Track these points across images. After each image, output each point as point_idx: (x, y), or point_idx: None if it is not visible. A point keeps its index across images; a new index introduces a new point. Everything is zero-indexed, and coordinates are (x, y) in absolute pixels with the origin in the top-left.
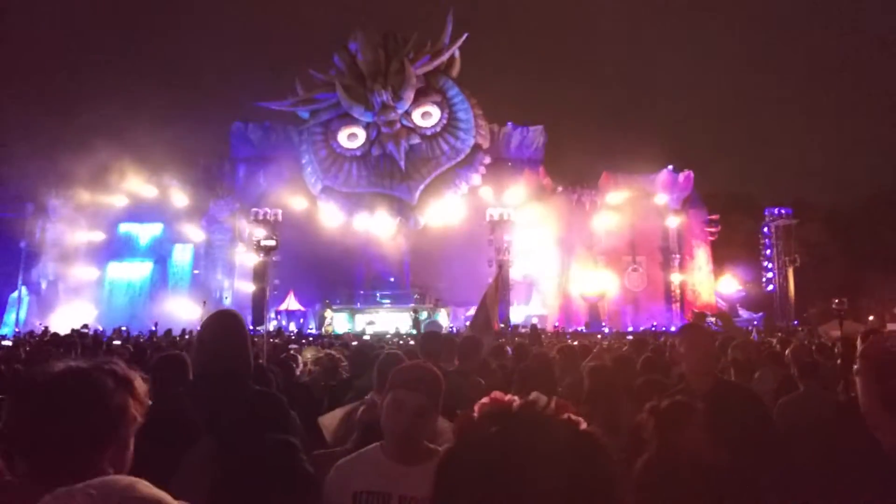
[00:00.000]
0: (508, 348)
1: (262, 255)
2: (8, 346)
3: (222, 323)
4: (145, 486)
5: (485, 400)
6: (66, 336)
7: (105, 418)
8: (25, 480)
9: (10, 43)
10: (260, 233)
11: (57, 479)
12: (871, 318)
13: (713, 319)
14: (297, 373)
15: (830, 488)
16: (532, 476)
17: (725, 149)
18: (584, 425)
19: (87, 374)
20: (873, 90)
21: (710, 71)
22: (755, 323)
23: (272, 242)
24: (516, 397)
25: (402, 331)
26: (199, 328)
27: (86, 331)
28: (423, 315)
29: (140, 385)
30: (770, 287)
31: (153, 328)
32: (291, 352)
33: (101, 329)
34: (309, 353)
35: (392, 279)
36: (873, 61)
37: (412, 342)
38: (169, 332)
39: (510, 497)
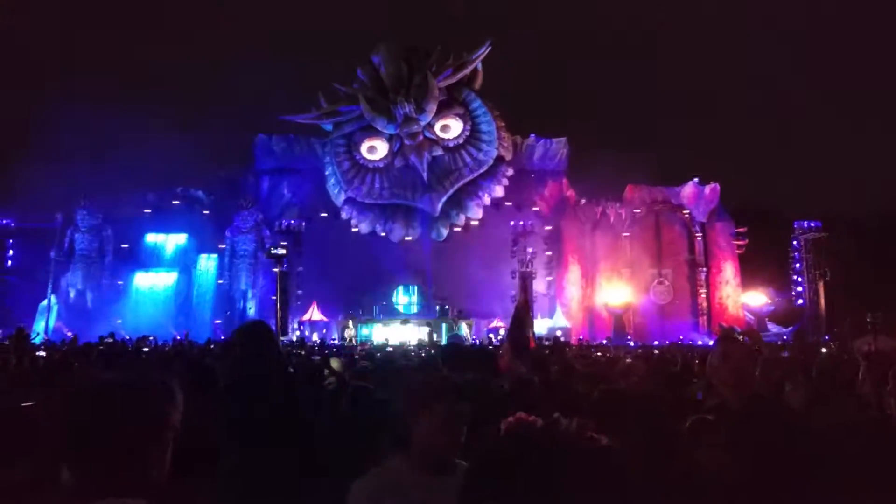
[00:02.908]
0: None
1: (275, 263)
2: (43, 357)
3: (254, 333)
4: None
5: (511, 419)
6: (96, 344)
7: (149, 426)
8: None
9: (41, 53)
10: (283, 243)
11: (109, 481)
12: None
13: (740, 336)
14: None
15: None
16: (552, 494)
17: (752, 161)
18: (604, 443)
19: (132, 385)
20: None
21: (737, 82)
22: (784, 337)
23: (283, 251)
24: (539, 418)
25: (425, 342)
26: (229, 338)
27: (111, 339)
28: (447, 329)
29: (179, 395)
30: (800, 301)
31: (177, 337)
32: (317, 361)
33: (127, 337)
34: (335, 364)
35: (415, 291)
36: None
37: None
38: (192, 341)
39: None
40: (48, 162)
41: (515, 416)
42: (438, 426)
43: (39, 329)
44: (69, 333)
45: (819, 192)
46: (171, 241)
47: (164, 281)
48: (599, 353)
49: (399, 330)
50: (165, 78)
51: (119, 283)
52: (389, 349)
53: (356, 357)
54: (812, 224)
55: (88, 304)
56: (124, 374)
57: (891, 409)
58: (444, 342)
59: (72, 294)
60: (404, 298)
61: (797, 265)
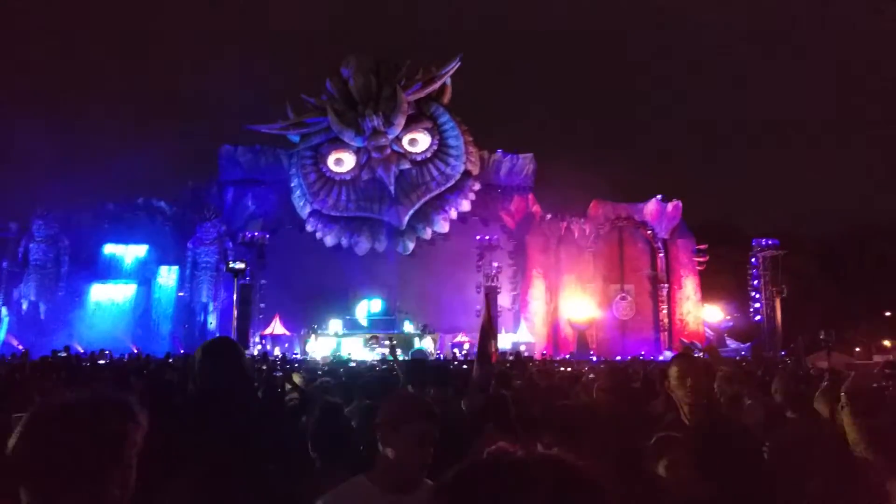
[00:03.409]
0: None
1: (235, 277)
2: None
3: (221, 351)
4: None
5: (492, 448)
6: (45, 358)
7: (111, 447)
8: None
9: None
10: (246, 256)
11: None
12: (857, 349)
13: (701, 353)
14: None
15: None
16: None
17: (713, 179)
18: (581, 468)
19: (94, 405)
20: (861, 122)
21: (698, 101)
22: (742, 353)
23: (242, 265)
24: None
25: (389, 357)
26: (195, 353)
27: (65, 354)
28: (418, 342)
29: (141, 412)
30: (758, 317)
31: (135, 351)
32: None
33: (81, 351)
34: (297, 379)
35: (379, 304)
36: (862, 93)
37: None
38: (149, 356)
39: None
40: (2, 169)
41: (498, 445)
42: (410, 446)
43: None
44: (20, 347)
45: (777, 211)
46: (130, 253)
47: (123, 293)
48: (563, 368)
49: (363, 344)
50: (129, 88)
51: (75, 295)
52: (353, 364)
53: (319, 372)
54: (770, 242)
55: (42, 316)
56: (85, 394)
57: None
58: (407, 357)
59: (24, 306)
60: (369, 312)
61: (755, 282)
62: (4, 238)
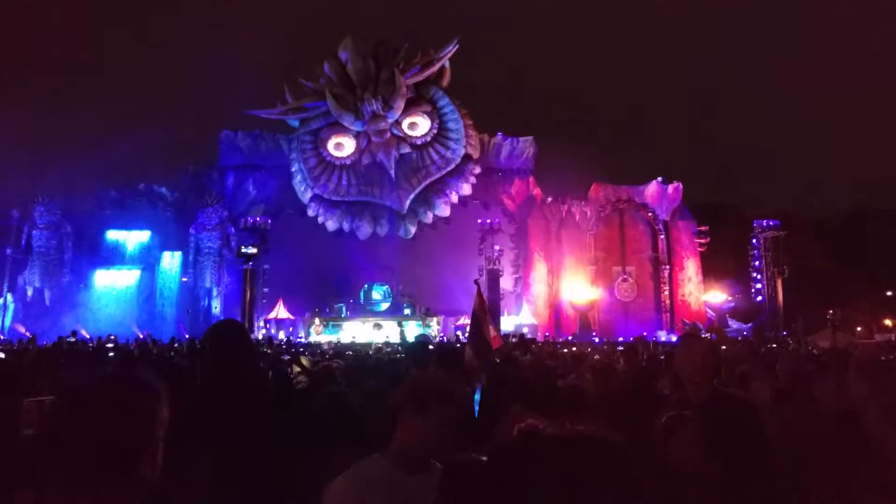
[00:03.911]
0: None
1: (244, 262)
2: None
3: (228, 333)
4: None
5: (521, 425)
6: (55, 344)
7: (142, 424)
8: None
9: None
10: (249, 240)
11: (103, 486)
12: (858, 328)
13: (706, 334)
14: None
15: (828, 497)
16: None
17: (714, 161)
18: (614, 443)
19: (122, 385)
20: (860, 103)
21: (698, 83)
22: (745, 333)
23: (253, 250)
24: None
25: (392, 341)
26: (202, 338)
27: (73, 339)
28: (415, 326)
29: (165, 391)
30: (759, 298)
31: (140, 336)
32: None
33: (87, 337)
34: (304, 362)
35: (382, 288)
36: (861, 75)
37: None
38: (154, 341)
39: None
40: (4, 157)
41: (527, 421)
42: (433, 427)
43: None
44: (27, 333)
45: (778, 191)
46: (133, 238)
47: (127, 279)
48: (565, 350)
49: (367, 328)
50: (129, 74)
51: (80, 281)
52: (358, 348)
53: (326, 356)
54: (771, 223)
55: (47, 302)
56: (111, 374)
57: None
58: (411, 340)
59: (29, 292)
60: (372, 296)
61: (756, 262)
62: (7, 225)
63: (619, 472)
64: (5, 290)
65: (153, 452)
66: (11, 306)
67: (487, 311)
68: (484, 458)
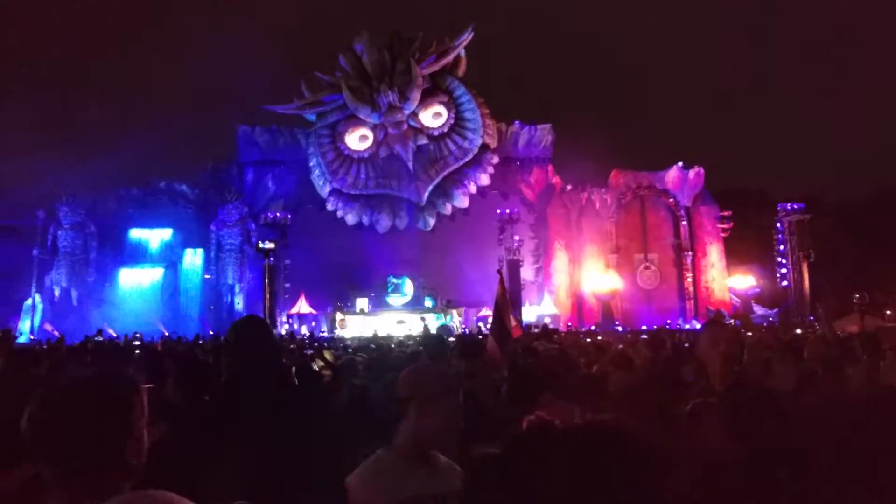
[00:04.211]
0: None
1: (262, 257)
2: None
3: (250, 329)
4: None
5: (532, 417)
6: (82, 343)
7: (120, 417)
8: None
9: (15, 49)
10: (269, 236)
11: (86, 479)
12: (887, 312)
13: (731, 321)
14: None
15: (858, 485)
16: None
17: (736, 144)
18: (638, 434)
19: (99, 379)
20: (886, 82)
21: (719, 66)
22: (770, 319)
23: (271, 245)
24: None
25: (414, 334)
26: (225, 334)
27: (100, 338)
28: (434, 319)
29: (141, 381)
30: (784, 283)
31: (165, 334)
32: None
33: (114, 335)
34: (328, 356)
35: (403, 281)
36: (885, 54)
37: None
38: (180, 338)
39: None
40: (29, 159)
41: (536, 415)
42: (443, 419)
43: (24, 329)
44: (55, 333)
45: (802, 174)
46: (155, 236)
47: (150, 276)
48: (588, 339)
49: (388, 321)
50: (147, 72)
51: (105, 280)
52: (380, 342)
53: (349, 349)
54: (795, 206)
55: (74, 301)
56: (85, 371)
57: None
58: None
59: (56, 292)
60: (392, 289)
61: (781, 247)
62: (33, 226)
63: (634, 462)
64: (33, 290)
65: (135, 443)
66: (40, 306)
67: (509, 300)
68: (497, 452)
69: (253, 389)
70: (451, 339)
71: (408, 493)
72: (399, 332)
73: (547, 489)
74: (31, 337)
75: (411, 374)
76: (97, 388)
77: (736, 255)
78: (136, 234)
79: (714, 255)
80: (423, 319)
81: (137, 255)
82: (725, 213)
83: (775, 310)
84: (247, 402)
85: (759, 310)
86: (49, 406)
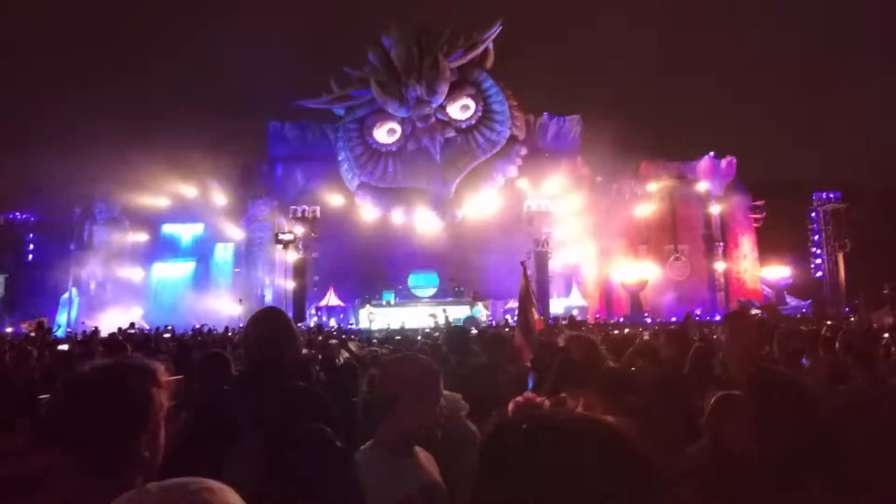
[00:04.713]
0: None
1: (283, 248)
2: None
3: (269, 319)
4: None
5: (519, 399)
6: (112, 335)
7: (135, 408)
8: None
9: (48, 47)
10: (298, 230)
11: (105, 469)
12: None
13: (758, 311)
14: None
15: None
16: (559, 474)
17: (769, 133)
18: (611, 422)
19: (119, 370)
20: None
21: (750, 54)
22: (803, 310)
23: (290, 237)
24: (546, 399)
25: (442, 325)
26: (244, 325)
27: (133, 331)
28: (458, 310)
29: (162, 373)
30: (819, 273)
31: (196, 326)
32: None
33: (147, 328)
34: (353, 347)
35: (431, 274)
36: None
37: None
38: (210, 330)
39: (538, 493)
40: (66, 157)
41: (524, 395)
42: (431, 410)
43: (62, 322)
44: (91, 325)
45: (838, 162)
46: (187, 231)
47: (182, 270)
48: (616, 332)
49: (416, 314)
50: (178, 69)
51: (138, 273)
52: (407, 333)
53: (374, 340)
54: (831, 195)
55: (108, 295)
56: (102, 362)
57: None
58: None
59: (92, 286)
60: (420, 281)
61: (816, 237)
62: (70, 222)
63: (610, 461)
64: (70, 284)
65: (152, 436)
66: (76, 300)
67: (532, 293)
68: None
69: (265, 383)
70: (475, 330)
71: (399, 488)
72: (428, 323)
73: (523, 479)
74: (68, 330)
75: (395, 369)
76: (112, 379)
77: (769, 245)
78: (168, 228)
79: (746, 245)
80: (444, 311)
81: (170, 250)
82: (758, 203)
83: (808, 301)
84: (257, 396)
85: (791, 301)
86: (65, 393)
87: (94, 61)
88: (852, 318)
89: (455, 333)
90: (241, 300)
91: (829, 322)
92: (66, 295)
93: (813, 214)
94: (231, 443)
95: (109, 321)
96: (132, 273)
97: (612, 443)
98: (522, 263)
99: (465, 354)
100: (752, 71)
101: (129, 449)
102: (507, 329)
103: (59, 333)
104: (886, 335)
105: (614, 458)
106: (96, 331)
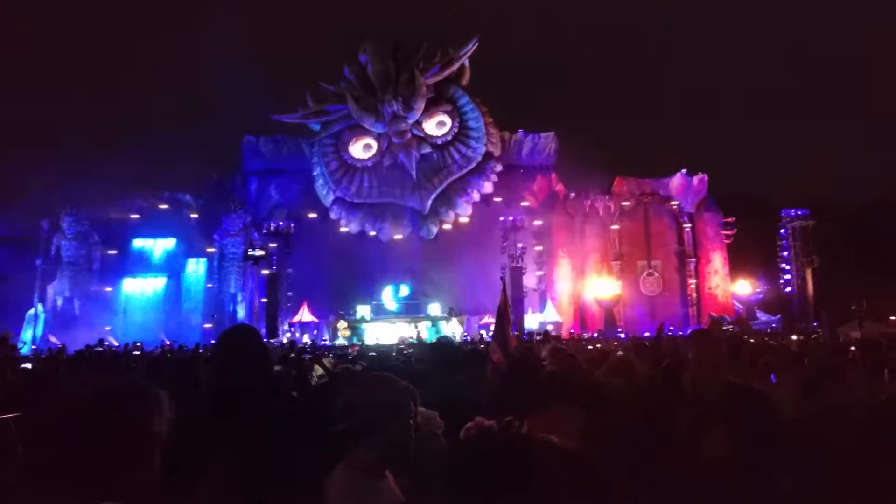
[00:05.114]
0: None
1: (262, 265)
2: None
3: (238, 338)
4: None
5: (470, 424)
6: (80, 352)
7: (137, 433)
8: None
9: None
10: (272, 245)
11: (89, 485)
12: (892, 317)
13: (729, 327)
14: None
15: (862, 490)
16: (509, 493)
17: (740, 151)
18: (554, 442)
19: (122, 395)
20: (890, 88)
21: (721, 72)
22: (773, 325)
23: (261, 253)
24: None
25: (415, 340)
26: (214, 343)
27: (101, 348)
28: (426, 328)
29: (165, 403)
30: (788, 289)
31: (167, 343)
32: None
33: (115, 344)
34: (327, 363)
35: (405, 289)
36: (889, 60)
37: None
38: (181, 347)
39: None
40: (32, 169)
41: (475, 420)
42: (408, 432)
43: (27, 338)
44: (57, 342)
45: (806, 181)
46: (159, 246)
47: (153, 286)
48: (590, 347)
49: (390, 329)
50: (151, 81)
51: (107, 289)
52: (381, 349)
53: (349, 357)
54: (800, 212)
55: (76, 311)
56: (113, 384)
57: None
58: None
59: (59, 302)
60: (394, 297)
61: (785, 253)
62: (36, 236)
63: (554, 479)
64: (36, 300)
65: (150, 459)
66: (42, 316)
67: (509, 308)
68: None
69: (234, 400)
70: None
71: None
72: (404, 339)
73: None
74: (34, 347)
75: (372, 392)
76: (116, 403)
77: (739, 261)
78: (139, 243)
79: (717, 261)
80: (416, 327)
81: (140, 265)
82: (729, 220)
83: (778, 316)
84: (226, 413)
85: (762, 316)
86: (68, 414)
87: (64, 75)
88: (820, 333)
89: (443, 349)
90: (213, 316)
91: (799, 337)
92: (32, 311)
93: (782, 231)
94: (198, 463)
95: (77, 338)
96: (101, 288)
97: (559, 462)
98: (502, 279)
99: (455, 372)
100: (721, 91)
101: (125, 471)
102: (482, 346)
103: (24, 350)
104: (853, 348)
105: (558, 476)
106: (62, 349)
